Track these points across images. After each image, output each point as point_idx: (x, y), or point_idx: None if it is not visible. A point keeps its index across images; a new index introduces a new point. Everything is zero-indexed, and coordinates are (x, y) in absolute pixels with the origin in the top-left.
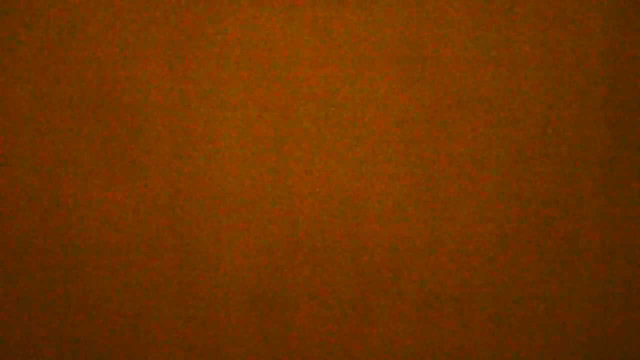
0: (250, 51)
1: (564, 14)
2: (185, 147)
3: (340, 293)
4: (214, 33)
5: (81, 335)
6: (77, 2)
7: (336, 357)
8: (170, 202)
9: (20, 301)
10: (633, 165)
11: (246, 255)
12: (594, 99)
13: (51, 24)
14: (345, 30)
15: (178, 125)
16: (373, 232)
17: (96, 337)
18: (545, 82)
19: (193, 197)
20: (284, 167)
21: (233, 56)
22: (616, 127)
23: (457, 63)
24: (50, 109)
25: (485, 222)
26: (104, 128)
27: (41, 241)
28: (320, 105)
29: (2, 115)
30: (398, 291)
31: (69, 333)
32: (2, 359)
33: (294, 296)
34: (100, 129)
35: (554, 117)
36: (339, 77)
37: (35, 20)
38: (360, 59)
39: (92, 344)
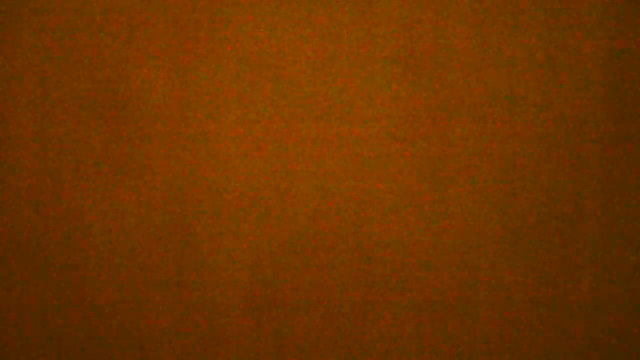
0: (251, 52)
1: (564, 14)
2: (185, 147)
3: (340, 293)
4: (214, 33)
5: (80, 334)
6: (78, 2)
7: (337, 358)
8: (170, 202)
9: (21, 300)
10: (633, 164)
11: (246, 255)
12: (594, 99)
13: (52, 24)
14: (346, 30)
15: (178, 126)
16: (374, 233)
17: (96, 337)
18: (546, 82)
19: (193, 197)
20: (284, 167)
21: (233, 56)
22: (616, 126)
23: (457, 63)
24: (51, 109)
25: (487, 222)
26: (104, 128)
27: (42, 240)
28: (320, 106)
29: (3, 116)
30: (400, 291)
31: (68, 332)
32: (2, 359)
33: (294, 296)
34: (101, 130)
35: (554, 117)
36: (340, 78)
37: (36, 20)
38: (361, 59)
39: (91, 343)
